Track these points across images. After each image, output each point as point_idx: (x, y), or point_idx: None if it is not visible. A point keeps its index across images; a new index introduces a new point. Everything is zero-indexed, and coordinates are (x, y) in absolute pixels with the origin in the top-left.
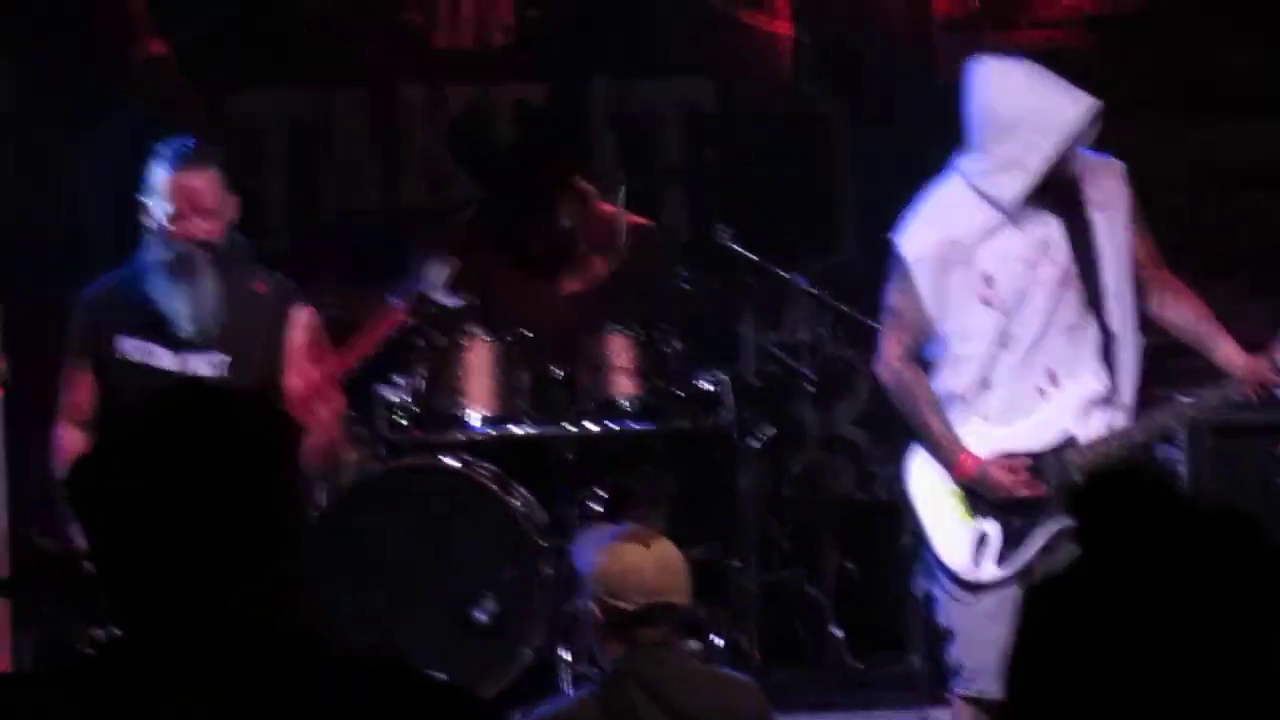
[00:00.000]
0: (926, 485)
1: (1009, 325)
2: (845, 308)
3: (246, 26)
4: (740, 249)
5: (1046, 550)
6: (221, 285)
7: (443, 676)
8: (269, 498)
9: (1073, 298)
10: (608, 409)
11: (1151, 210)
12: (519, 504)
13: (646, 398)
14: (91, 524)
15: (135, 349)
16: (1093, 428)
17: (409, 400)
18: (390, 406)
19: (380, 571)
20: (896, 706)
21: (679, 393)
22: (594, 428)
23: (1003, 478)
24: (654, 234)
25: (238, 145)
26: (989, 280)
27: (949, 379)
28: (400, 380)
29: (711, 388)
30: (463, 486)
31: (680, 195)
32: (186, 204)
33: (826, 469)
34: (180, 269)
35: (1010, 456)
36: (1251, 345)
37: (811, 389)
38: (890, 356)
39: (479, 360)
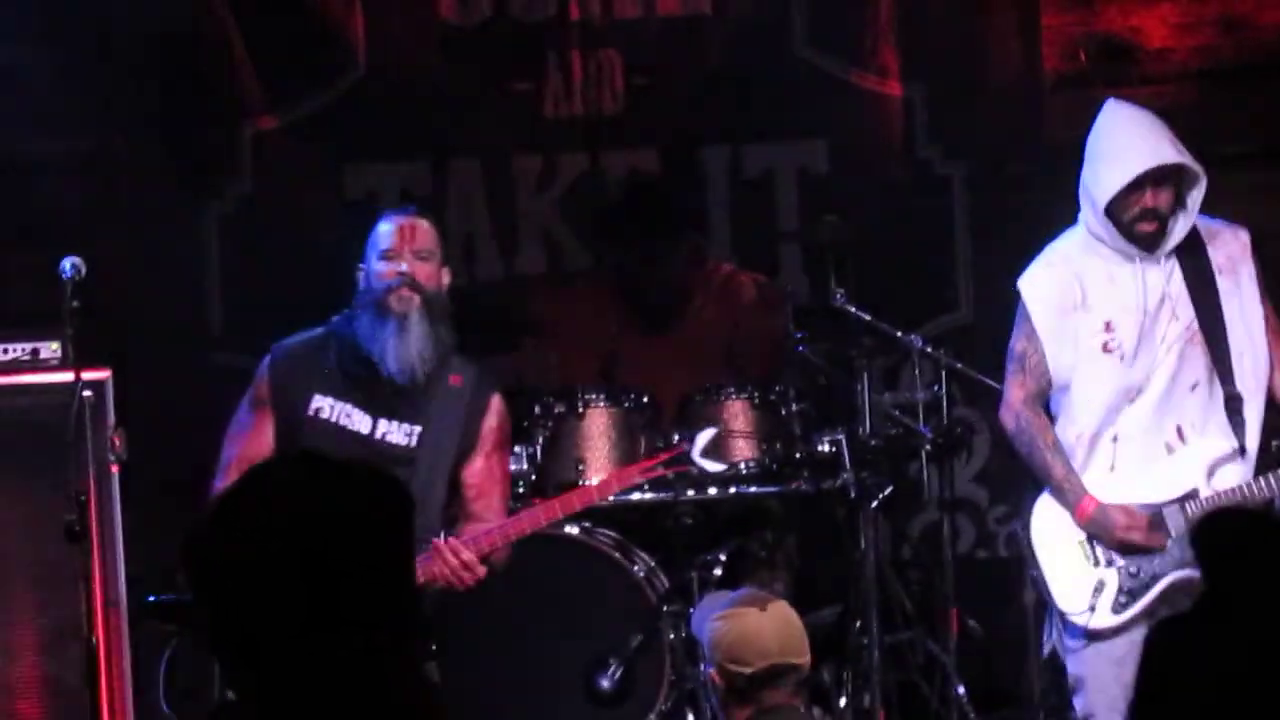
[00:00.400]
0: (1049, 531)
1: (1134, 377)
2: (962, 366)
3: (360, 100)
4: (856, 310)
5: (1164, 600)
6: (430, 334)
7: None
8: (382, 567)
9: (1198, 355)
10: (728, 473)
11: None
12: (640, 570)
13: (765, 461)
14: (204, 588)
15: (331, 408)
16: (1217, 486)
17: (528, 469)
18: (510, 475)
19: (504, 640)
20: None
21: (798, 455)
22: (714, 492)
23: (1121, 519)
24: (771, 290)
25: (353, 220)
26: (1109, 326)
27: (1072, 425)
28: (519, 449)
29: (830, 449)
30: (584, 554)
31: (796, 258)
32: (403, 241)
33: (947, 528)
34: (391, 308)
35: (1134, 507)
36: None
37: (929, 448)
38: (1014, 401)
39: (598, 426)
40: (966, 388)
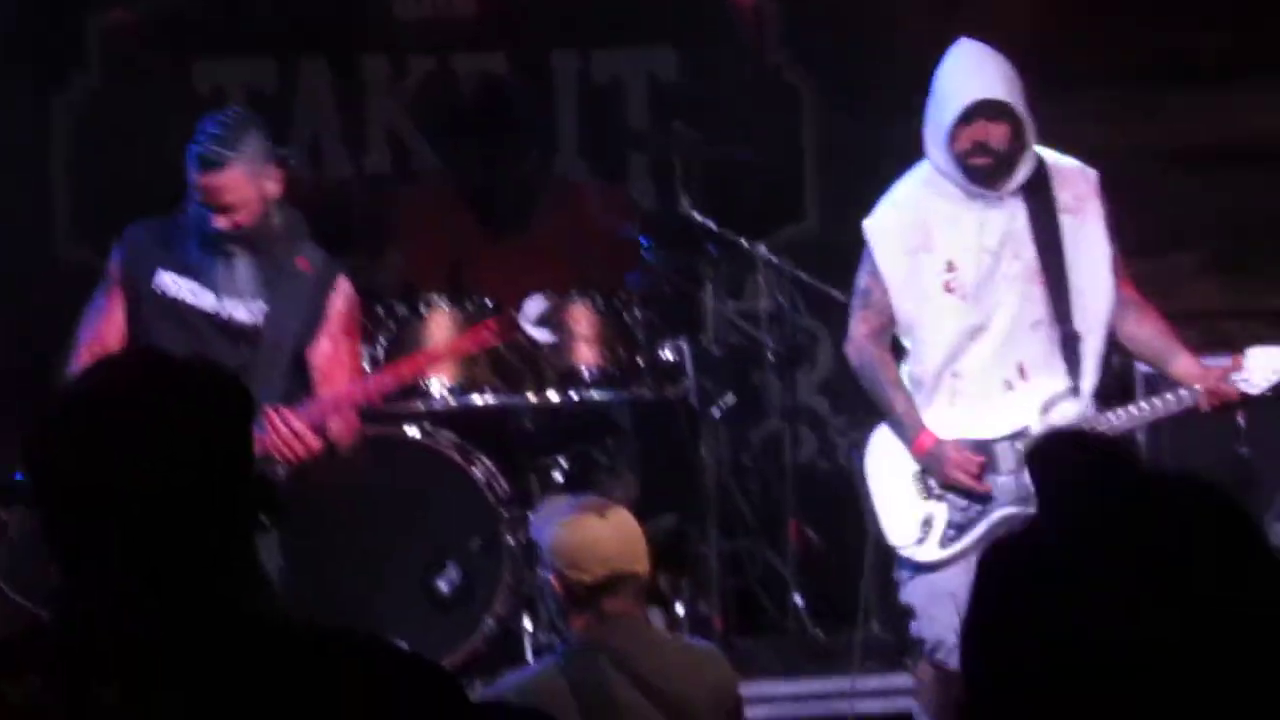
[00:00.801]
0: (883, 464)
1: (976, 316)
2: (807, 277)
3: None
4: (702, 218)
5: (991, 535)
6: (255, 269)
7: (405, 646)
8: (224, 469)
9: (1038, 294)
10: (570, 379)
11: (1109, 183)
12: (481, 474)
13: (608, 367)
14: (43, 491)
15: (175, 284)
16: (1051, 424)
17: (369, 370)
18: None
19: (341, 541)
20: (858, 674)
21: (641, 362)
22: (556, 398)
23: (955, 459)
24: (617, 197)
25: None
26: (951, 266)
27: (917, 363)
28: (361, 350)
29: (673, 357)
30: (424, 456)
31: (644, 165)
32: (211, 202)
33: (788, 438)
34: (214, 248)
35: (968, 444)
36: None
37: (773, 358)
38: (858, 335)
39: (440, 329)
40: (811, 298)
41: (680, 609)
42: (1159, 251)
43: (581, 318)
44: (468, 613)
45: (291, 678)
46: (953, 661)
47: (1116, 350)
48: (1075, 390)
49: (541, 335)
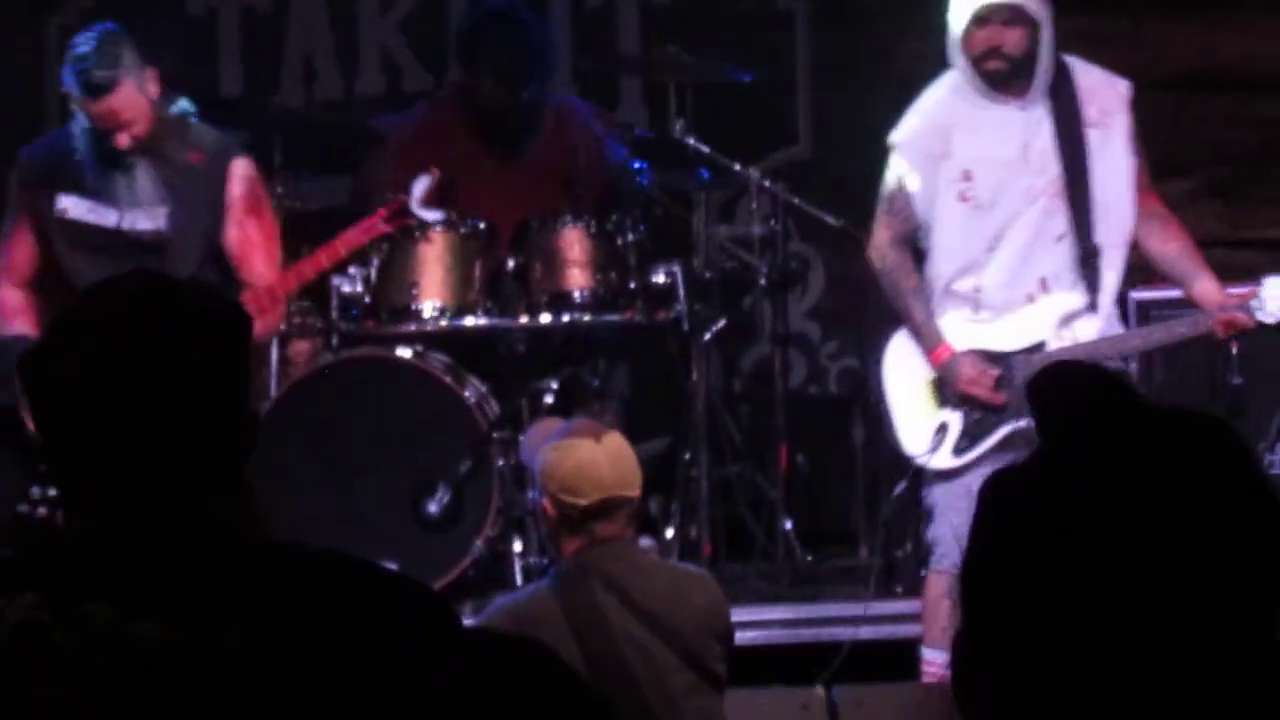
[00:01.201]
0: (900, 371)
1: (991, 227)
2: (799, 202)
3: None
4: (695, 142)
5: (1002, 446)
6: (154, 175)
7: (394, 568)
8: (222, 391)
9: (1061, 208)
10: (561, 301)
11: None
12: (471, 396)
13: (600, 291)
14: (42, 412)
15: (76, 206)
16: (1067, 339)
17: (361, 291)
18: (343, 297)
19: (330, 463)
20: (845, 599)
21: (632, 285)
22: (546, 320)
23: (969, 373)
24: (609, 121)
25: (195, 36)
26: (968, 175)
27: (934, 271)
28: (353, 271)
29: (664, 281)
30: (415, 378)
31: (637, 89)
32: (108, 124)
33: (779, 363)
34: (113, 164)
35: (984, 356)
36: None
37: (764, 283)
38: (881, 241)
39: (433, 251)
40: (803, 223)
41: (669, 533)
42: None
43: (574, 241)
44: (457, 535)
45: (281, 602)
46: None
47: (1138, 265)
48: (1093, 306)
49: (431, 215)
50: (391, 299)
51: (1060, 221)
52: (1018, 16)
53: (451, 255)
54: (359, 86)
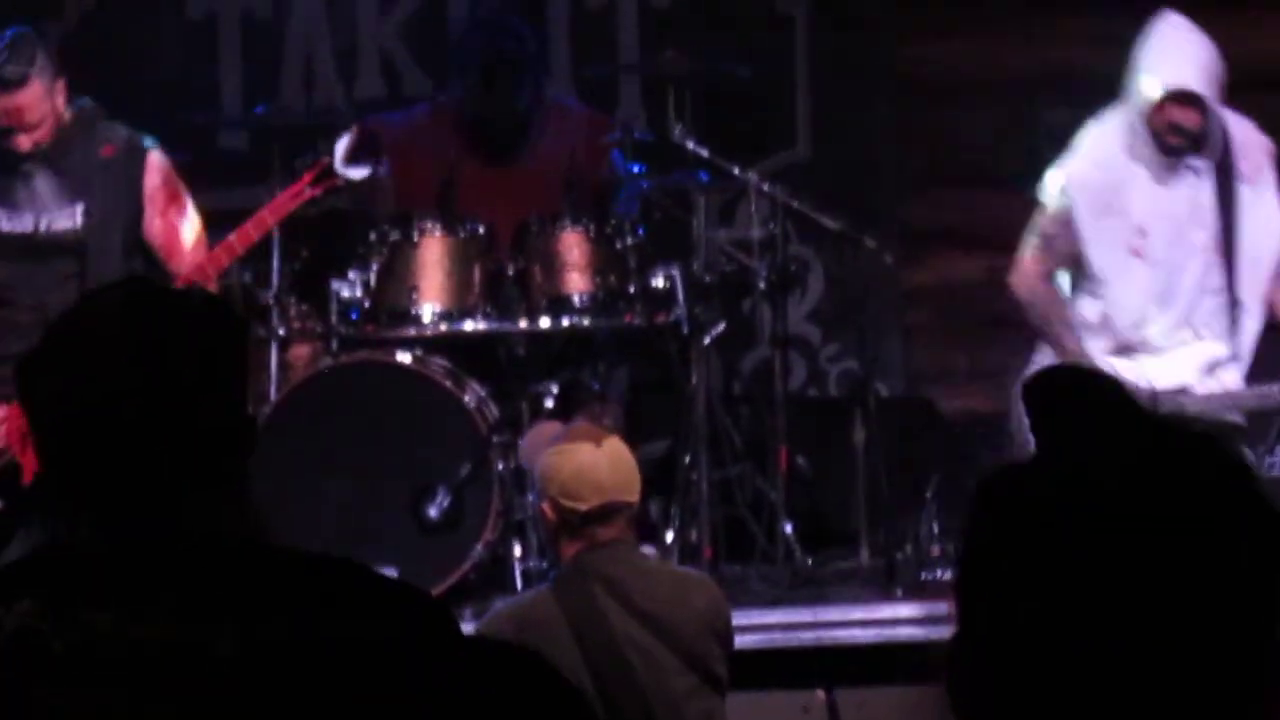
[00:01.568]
0: None
1: (1163, 281)
2: (798, 204)
3: None
4: (694, 145)
5: None
6: (59, 177)
7: (393, 573)
8: (219, 396)
9: (1217, 262)
10: (560, 305)
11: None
12: (471, 400)
13: (599, 294)
14: (39, 419)
15: None
16: (1212, 385)
17: (361, 295)
18: (342, 301)
19: (330, 467)
20: (846, 602)
21: (632, 288)
22: (546, 323)
23: None
24: (607, 124)
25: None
26: (1142, 232)
27: (1098, 315)
28: (353, 275)
29: (664, 284)
30: (415, 382)
31: (636, 91)
32: (12, 122)
33: (778, 365)
34: (12, 170)
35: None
36: None
37: (763, 285)
38: (1031, 274)
39: (432, 255)
40: (802, 226)
41: (669, 536)
42: None
43: (573, 244)
44: (457, 539)
45: (279, 606)
46: None
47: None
48: (1236, 355)
49: (357, 172)
50: (391, 303)
51: (1216, 275)
52: (1195, 99)
53: (451, 259)
54: (359, 91)
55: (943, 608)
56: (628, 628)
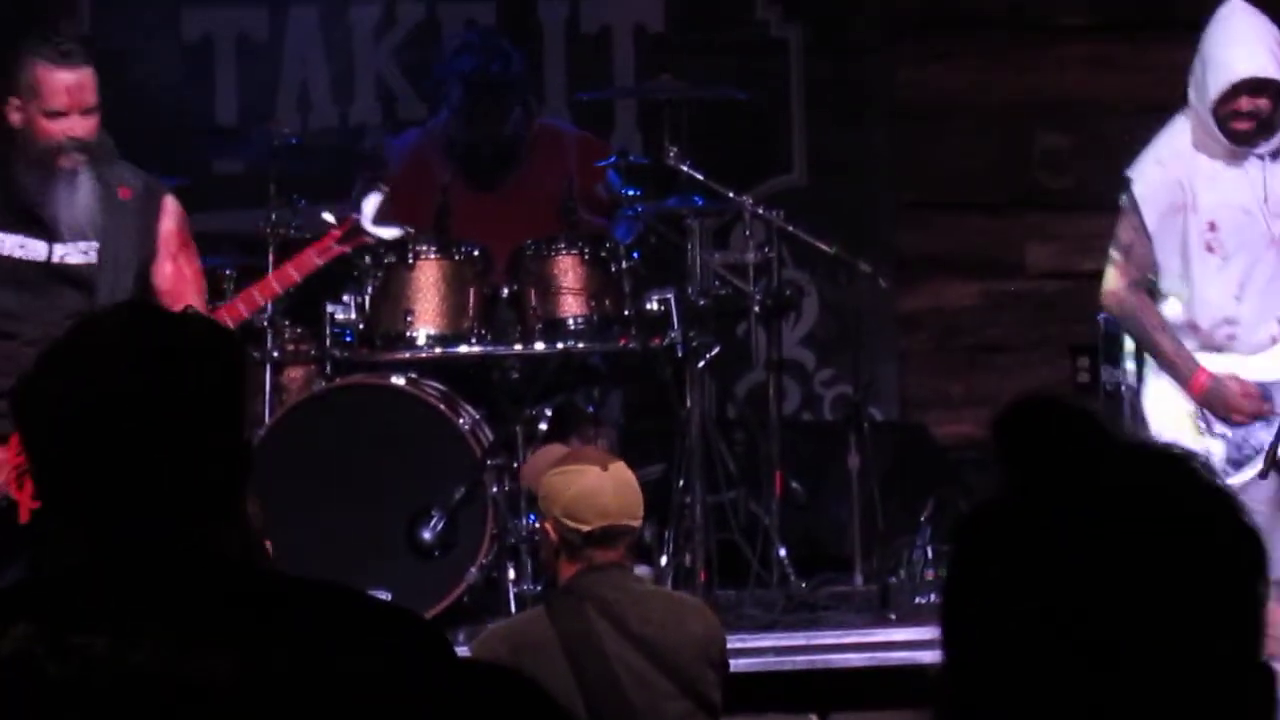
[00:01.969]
0: (1163, 408)
1: (1237, 275)
2: (793, 229)
3: None
4: (689, 169)
5: (1266, 472)
6: (96, 185)
7: (386, 597)
8: (216, 419)
9: None
10: (555, 328)
11: (1109, 129)
12: (465, 423)
13: (594, 317)
14: (35, 442)
15: (3, 242)
16: None
17: (355, 318)
18: (337, 324)
19: (324, 490)
20: (841, 627)
21: (626, 312)
22: (541, 347)
23: (1235, 387)
24: (600, 147)
25: (191, 63)
26: (1213, 226)
27: (1189, 321)
28: (348, 298)
29: (659, 308)
30: (409, 405)
31: (631, 115)
32: (70, 101)
33: (773, 389)
34: (59, 168)
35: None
36: None
37: (758, 309)
38: (1118, 287)
39: (427, 278)
40: (797, 250)
41: (664, 560)
42: None
43: (568, 267)
44: (451, 562)
45: (275, 631)
46: None
47: None
48: None
49: (388, 232)
50: (385, 326)
51: None
52: (1266, 84)
53: (446, 282)
54: (354, 114)
55: (937, 632)
56: (622, 651)
